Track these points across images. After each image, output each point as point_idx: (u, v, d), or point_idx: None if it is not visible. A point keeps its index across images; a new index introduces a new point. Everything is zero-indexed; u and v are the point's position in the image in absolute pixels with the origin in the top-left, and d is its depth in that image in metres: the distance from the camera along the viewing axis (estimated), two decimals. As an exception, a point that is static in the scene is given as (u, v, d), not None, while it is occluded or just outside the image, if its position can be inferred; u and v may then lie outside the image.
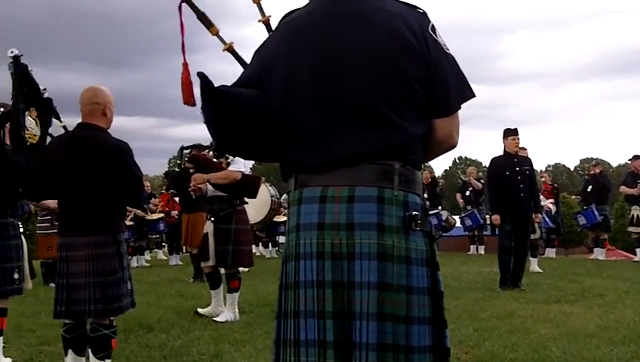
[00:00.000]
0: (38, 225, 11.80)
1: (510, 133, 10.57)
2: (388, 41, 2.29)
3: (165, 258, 19.24)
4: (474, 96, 2.43)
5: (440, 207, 17.68)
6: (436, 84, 2.33)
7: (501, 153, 10.66)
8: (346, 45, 2.32)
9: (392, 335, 2.17)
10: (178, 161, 10.68)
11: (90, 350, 4.53)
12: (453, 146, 2.48)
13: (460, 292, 9.18)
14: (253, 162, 7.49)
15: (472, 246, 18.21)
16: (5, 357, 5.57)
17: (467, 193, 17.75)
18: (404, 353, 2.18)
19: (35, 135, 4.90)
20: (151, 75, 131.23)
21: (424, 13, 2.40)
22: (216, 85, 2.38)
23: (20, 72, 4.78)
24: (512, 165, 10.46)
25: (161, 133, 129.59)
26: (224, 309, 7.68)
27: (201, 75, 2.36)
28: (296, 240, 2.34)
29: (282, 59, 2.41)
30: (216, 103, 2.37)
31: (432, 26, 2.37)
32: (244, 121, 2.43)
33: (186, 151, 10.03)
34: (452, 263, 13.80)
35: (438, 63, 2.33)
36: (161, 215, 16.43)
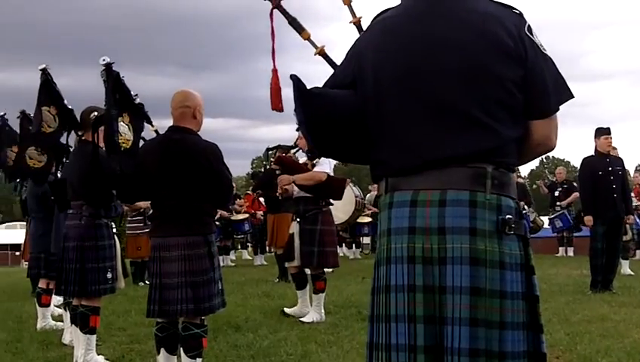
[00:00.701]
0: (128, 225, 12.13)
1: (603, 133, 10.24)
2: (482, 43, 2.26)
3: (250, 258, 19.46)
4: (572, 97, 2.37)
5: (529, 208, 17.32)
6: (533, 86, 2.28)
7: (592, 153, 10.34)
8: (439, 47, 2.29)
9: (484, 341, 2.14)
10: (264, 162, 10.79)
11: (181, 348, 4.61)
12: (551, 148, 2.43)
13: (549, 296, 8.97)
14: (335, 162, 7.48)
15: (560, 248, 17.80)
16: (98, 354, 5.74)
17: (556, 193, 17.33)
18: (497, 358, 2.15)
19: (128, 140, 5.03)
20: (234, 78, 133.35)
21: (520, 14, 2.35)
22: (308, 87, 2.40)
23: (112, 79, 4.92)
24: (604, 165, 10.14)
25: (244, 135, 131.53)
26: (310, 310, 7.71)
27: (294, 78, 2.37)
28: (387, 245, 2.33)
29: (374, 60, 2.40)
30: (310, 105, 2.38)
31: (529, 26, 2.32)
32: (337, 122, 2.43)
33: (270, 152, 10.13)
34: (541, 266, 13.44)
35: (536, 64, 2.29)
36: (246, 215, 16.63)
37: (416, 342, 2.20)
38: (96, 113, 5.44)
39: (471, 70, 2.25)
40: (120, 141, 4.93)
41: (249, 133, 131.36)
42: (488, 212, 2.21)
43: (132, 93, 5.18)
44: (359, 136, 2.43)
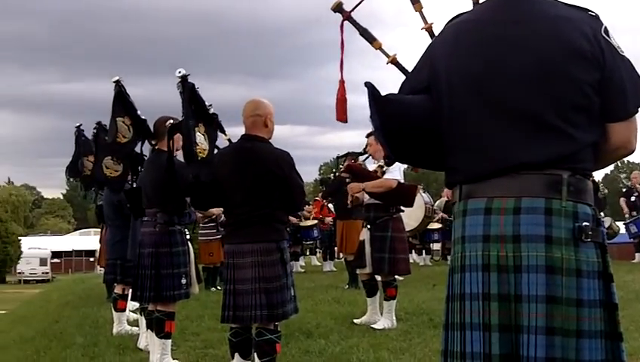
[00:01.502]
0: (200, 231, 12.32)
1: None
2: (558, 47, 2.23)
3: (319, 264, 19.52)
4: None
5: (602, 214, 16.94)
6: (611, 88, 2.24)
7: None
8: (514, 51, 2.28)
9: (561, 350, 2.12)
10: (333, 169, 10.85)
11: (255, 354, 4.66)
12: (631, 152, 2.39)
13: (626, 303, 8.70)
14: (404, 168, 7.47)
15: (637, 254, 17.32)
16: (173, 359, 5.85)
17: (632, 198, 16.89)
18: None
19: (204, 149, 5.13)
20: (301, 85, 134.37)
21: (596, 16, 2.31)
22: (383, 94, 2.41)
23: (188, 91, 5.02)
24: None
25: (311, 141, 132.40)
26: (381, 317, 7.69)
27: (369, 85, 2.39)
28: (462, 252, 2.33)
29: (447, 65, 2.41)
30: (385, 111, 2.40)
31: (605, 28, 2.28)
32: (413, 127, 2.45)
33: (340, 159, 10.16)
34: (617, 272, 12.86)
35: (614, 66, 2.25)
36: (315, 221, 16.68)
37: (491, 351, 2.19)
38: (171, 121, 5.55)
39: (546, 74, 2.23)
40: (197, 150, 5.02)
41: (316, 139, 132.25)
42: (564, 219, 2.19)
43: (206, 103, 5.27)
44: (435, 141, 2.43)
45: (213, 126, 5.34)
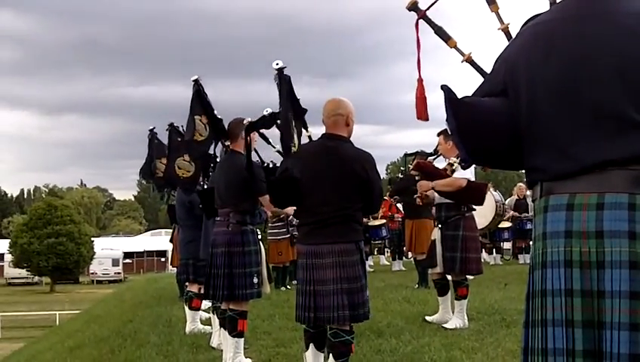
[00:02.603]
0: (269, 231, 12.42)
1: None
2: (636, 43, 2.20)
3: (387, 263, 19.47)
4: None
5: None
6: None
7: None
8: (594, 49, 2.25)
9: None
10: (402, 168, 10.82)
11: (330, 354, 4.66)
12: None
13: None
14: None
15: None
16: (246, 357, 5.92)
17: None
18: None
19: (295, 144, 5.16)
20: (367, 84, 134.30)
21: None
22: (459, 96, 2.41)
23: (286, 83, 5.05)
24: None
25: (378, 140, 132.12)
26: (452, 316, 7.63)
27: (445, 88, 2.40)
28: (543, 249, 2.30)
29: (526, 65, 2.39)
30: (462, 114, 2.40)
31: None
32: (489, 130, 2.44)
33: (409, 158, 10.11)
34: None
35: None
36: (384, 221, 16.62)
37: (574, 347, 2.17)
38: (249, 119, 5.59)
39: (628, 71, 2.20)
40: (293, 144, 5.05)
41: (381, 138, 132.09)
42: None
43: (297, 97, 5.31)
44: (512, 143, 2.42)
45: (301, 120, 5.37)
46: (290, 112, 5.03)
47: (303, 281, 4.73)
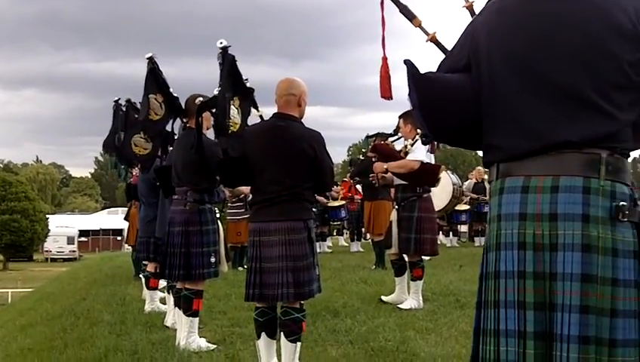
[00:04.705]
0: (229, 211, 12.35)
1: None
2: (600, 24, 2.21)
3: (346, 244, 19.54)
4: None
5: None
6: None
7: None
8: (556, 27, 2.25)
9: (595, 328, 2.11)
10: (363, 150, 10.84)
11: (281, 333, 4.67)
12: None
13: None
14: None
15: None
16: (200, 337, 5.90)
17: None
18: (607, 346, 2.11)
19: (237, 123, 5.12)
20: (332, 66, 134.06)
21: None
22: (422, 72, 2.39)
23: (228, 62, 5.00)
24: None
25: (342, 122, 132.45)
26: (408, 297, 7.70)
27: (408, 62, 2.38)
28: (498, 230, 2.31)
29: (489, 41, 2.38)
30: (424, 89, 2.38)
31: None
32: (452, 106, 2.43)
33: (370, 139, 10.14)
34: None
35: None
36: (343, 202, 16.69)
37: (525, 328, 2.18)
38: (201, 99, 5.55)
39: (589, 52, 2.20)
40: (229, 124, 5.02)
41: (346, 120, 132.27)
42: (602, 198, 2.17)
43: (243, 77, 5.26)
44: (473, 120, 2.41)
45: (248, 100, 5.34)
46: (228, 92, 4.99)
47: (252, 259, 4.75)
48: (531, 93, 2.27)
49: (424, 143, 7.01)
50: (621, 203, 2.17)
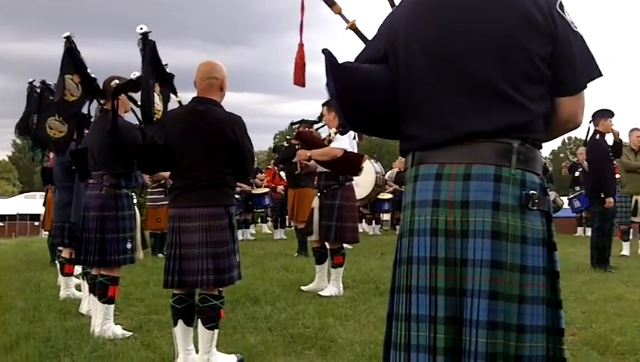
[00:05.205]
0: (148, 196, 12.17)
1: (609, 115, 10.28)
2: (513, 18, 2.25)
3: (270, 232, 19.53)
4: (601, 75, 2.35)
5: (548, 188, 17.23)
6: (562, 62, 2.27)
7: (596, 135, 10.35)
8: (471, 19, 2.29)
9: (503, 314, 2.15)
10: (287, 137, 10.82)
11: (199, 320, 4.61)
12: (577, 126, 2.43)
13: (567, 274, 8.95)
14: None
15: (579, 228, 17.75)
16: (116, 324, 5.78)
17: (577, 174, 17.21)
18: (515, 332, 2.16)
19: (159, 110, 5.01)
20: (261, 52, 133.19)
21: None
22: (340, 62, 2.39)
23: (149, 48, 4.87)
24: (607, 147, 10.38)
25: (268, 110, 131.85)
26: (328, 284, 7.72)
27: (326, 52, 2.37)
28: (411, 217, 2.34)
29: (406, 33, 2.40)
30: (342, 79, 2.38)
31: (560, 3, 2.30)
32: (369, 96, 2.43)
33: (294, 126, 10.12)
34: (559, 245, 13.12)
35: (565, 41, 2.27)
36: (267, 189, 16.63)
37: (436, 313, 2.21)
38: (117, 81, 5.41)
39: (502, 44, 2.24)
40: (154, 112, 4.90)
41: (274, 108, 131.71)
42: (512, 187, 2.21)
43: (163, 62, 5.14)
44: (391, 110, 2.43)
45: (168, 86, 5.22)
46: (151, 78, 4.88)
47: (171, 245, 4.66)
48: (446, 85, 2.29)
49: (341, 133, 7.07)
50: (531, 191, 2.22)
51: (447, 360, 2.19)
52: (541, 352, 2.19)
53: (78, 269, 7.91)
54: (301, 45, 3.35)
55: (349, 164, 7.51)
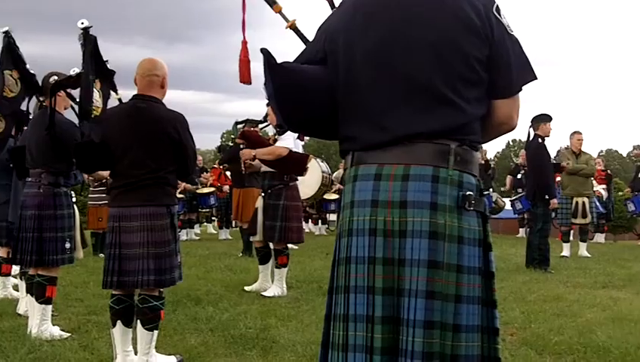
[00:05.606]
0: (90, 196, 11.99)
1: (547, 120, 10.55)
2: (451, 21, 2.26)
3: (215, 232, 19.42)
4: (535, 78, 2.39)
5: (491, 189, 17.48)
6: (498, 65, 2.30)
7: (537, 139, 10.59)
8: (408, 24, 2.29)
9: (440, 313, 2.16)
10: (232, 136, 10.76)
11: (138, 321, 4.55)
12: (513, 128, 2.46)
13: (507, 275, 9.13)
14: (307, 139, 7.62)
15: (521, 229, 18.06)
16: (54, 325, 5.66)
17: (519, 176, 17.49)
18: (451, 331, 2.18)
19: (98, 107, 4.92)
20: (208, 50, 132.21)
21: None
22: (279, 62, 2.37)
23: (90, 44, 4.78)
24: (546, 150, 10.64)
25: (215, 108, 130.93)
26: (271, 284, 7.70)
27: (265, 51, 2.36)
28: (350, 217, 2.34)
29: (345, 35, 2.40)
30: (280, 79, 2.37)
31: (497, 6, 2.33)
32: (307, 97, 2.43)
33: (239, 126, 10.06)
34: (501, 245, 13.75)
35: (501, 44, 2.30)
36: (212, 189, 16.55)
37: (374, 313, 2.21)
38: (56, 77, 5.30)
39: (440, 47, 2.25)
40: (93, 108, 4.81)
41: (222, 106, 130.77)
42: (450, 187, 2.23)
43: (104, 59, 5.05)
44: (329, 111, 2.42)
45: (108, 83, 5.13)
46: (92, 75, 4.79)
47: (110, 245, 4.57)
48: (386, 87, 2.30)
49: (279, 133, 7.05)
50: (468, 192, 2.24)
51: (384, 360, 2.19)
52: (476, 352, 2.21)
53: (16, 269, 7.73)
54: (244, 42, 3.31)
55: (294, 164, 7.50)
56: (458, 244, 2.21)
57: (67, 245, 5.66)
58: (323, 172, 12.58)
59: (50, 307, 5.64)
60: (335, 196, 17.39)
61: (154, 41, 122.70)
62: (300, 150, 7.66)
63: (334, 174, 17.37)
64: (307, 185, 10.76)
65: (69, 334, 5.59)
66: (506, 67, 2.30)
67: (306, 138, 7.94)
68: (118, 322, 4.59)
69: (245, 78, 3.34)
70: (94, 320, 6.15)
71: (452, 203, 2.22)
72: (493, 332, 2.28)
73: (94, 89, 4.90)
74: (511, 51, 2.31)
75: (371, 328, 2.21)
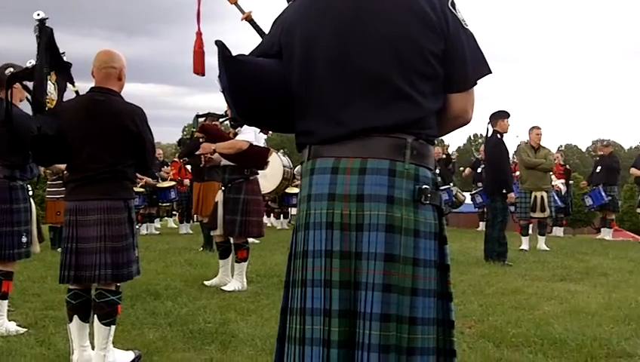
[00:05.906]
0: (48, 189, 11.83)
1: (506, 116, 10.76)
2: (407, 15, 2.27)
3: (175, 226, 19.30)
4: (490, 72, 2.41)
5: (452, 183, 17.65)
6: (453, 59, 2.31)
7: (495, 135, 10.78)
8: (364, 17, 2.30)
9: (396, 306, 2.17)
10: (193, 130, 10.70)
11: (95, 315, 4.50)
12: (468, 122, 2.47)
13: (466, 268, 9.23)
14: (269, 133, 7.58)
15: (481, 223, 18.20)
16: (10, 320, 5.59)
17: (479, 170, 17.69)
18: (407, 324, 2.19)
19: (53, 100, 4.83)
20: (169, 43, 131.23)
21: None
22: (234, 54, 2.36)
23: (46, 35, 4.70)
24: (506, 146, 10.86)
25: (176, 102, 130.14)
26: (231, 279, 7.68)
27: (219, 43, 2.34)
28: (307, 211, 2.34)
29: (301, 29, 2.39)
30: (234, 72, 2.36)
31: (452, 1, 2.34)
32: (262, 90, 2.42)
33: (200, 119, 10.01)
34: (460, 239, 13.88)
35: (456, 39, 2.31)
36: (173, 183, 16.44)
37: (331, 306, 2.21)
38: (11, 69, 5.21)
39: (396, 41, 2.26)
40: (46, 101, 4.73)
41: (183, 100, 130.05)
42: (406, 181, 2.24)
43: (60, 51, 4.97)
44: (284, 105, 2.42)
45: (64, 75, 5.06)
46: (46, 67, 4.72)
47: (67, 239, 4.51)
48: (342, 81, 2.30)
49: (233, 127, 7.02)
50: (424, 186, 2.26)
51: (340, 353, 2.19)
52: (432, 344, 2.23)
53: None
54: (199, 34, 3.31)
55: (255, 158, 7.48)
56: (414, 238, 2.22)
57: (24, 239, 5.58)
58: (284, 166, 12.61)
59: (5, 302, 5.56)
60: (297, 190, 17.31)
61: (115, 33, 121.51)
62: (262, 144, 7.64)
63: (296, 168, 17.36)
64: (268, 179, 10.79)
65: (25, 329, 5.52)
66: (461, 61, 2.32)
67: (270, 132, 7.90)
68: (75, 317, 4.54)
69: (198, 69, 3.35)
70: (51, 315, 6.07)
71: (408, 196, 2.23)
72: (448, 325, 2.29)
73: (49, 81, 4.81)
74: (466, 45, 2.33)
75: (328, 321, 2.21)
